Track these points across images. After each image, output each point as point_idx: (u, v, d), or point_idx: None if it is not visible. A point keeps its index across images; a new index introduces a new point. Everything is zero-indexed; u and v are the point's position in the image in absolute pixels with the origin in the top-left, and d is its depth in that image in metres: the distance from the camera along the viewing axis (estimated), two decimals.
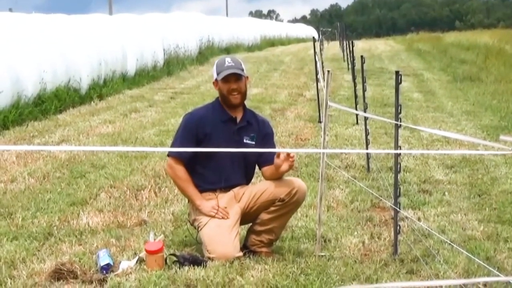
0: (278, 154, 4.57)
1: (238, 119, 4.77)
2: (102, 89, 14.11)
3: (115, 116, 11.56)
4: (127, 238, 5.10)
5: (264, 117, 5.07)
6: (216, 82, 4.74)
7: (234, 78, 4.67)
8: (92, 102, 13.09)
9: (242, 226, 4.94)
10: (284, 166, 4.58)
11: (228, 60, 4.73)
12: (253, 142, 4.77)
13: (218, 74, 4.69)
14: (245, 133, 4.77)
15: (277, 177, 4.70)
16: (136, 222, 5.57)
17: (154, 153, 8.14)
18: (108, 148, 7.74)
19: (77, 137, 9.51)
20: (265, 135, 4.83)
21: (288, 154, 4.55)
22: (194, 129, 4.71)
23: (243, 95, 4.74)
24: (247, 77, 4.80)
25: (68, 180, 6.98)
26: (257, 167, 4.89)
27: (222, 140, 4.65)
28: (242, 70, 4.72)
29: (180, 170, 4.71)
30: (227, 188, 4.75)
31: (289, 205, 4.68)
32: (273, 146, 4.92)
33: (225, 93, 4.69)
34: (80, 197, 6.32)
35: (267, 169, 4.75)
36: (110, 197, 6.34)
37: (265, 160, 4.77)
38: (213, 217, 4.63)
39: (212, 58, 25.54)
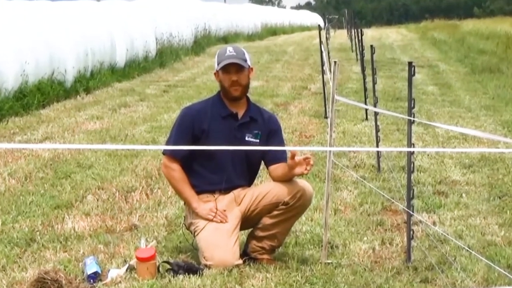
0: (293, 154, 4.54)
1: (240, 115, 4.76)
2: (89, 81, 14.11)
3: (103, 111, 11.56)
4: (116, 244, 5.10)
5: (272, 113, 5.05)
6: (217, 74, 4.74)
7: (235, 69, 4.66)
8: (78, 96, 13.09)
9: (242, 231, 4.93)
10: (298, 170, 4.55)
11: (229, 49, 4.73)
12: (257, 140, 4.75)
13: (218, 64, 4.69)
14: (248, 130, 4.75)
15: (288, 179, 4.68)
16: (126, 227, 5.57)
17: (146, 151, 8.14)
18: (95, 146, 7.75)
19: (61, 134, 9.51)
20: (270, 132, 4.80)
21: (305, 158, 4.51)
22: (190, 124, 4.70)
23: (245, 88, 4.73)
24: (251, 68, 4.78)
25: (52, 181, 6.98)
26: (263, 166, 4.88)
27: (221, 137, 4.64)
28: (245, 60, 4.70)
29: (175, 170, 4.71)
30: (227, 190, 4.74)
31: (293, 209, 4.67)
32: (282, 143, 4.87)
33: (225, 85, 4.69)
34: (65, 199, 6.32)
35: (276, 168, 4.71)
36: (97, 200, 6.34)
37: (273, 158, 4.73)
38: (211, 220, 4.63)
39: (209, 48, 25.55)
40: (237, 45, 4.86)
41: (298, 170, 4.55)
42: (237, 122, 4.75)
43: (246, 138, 4.74)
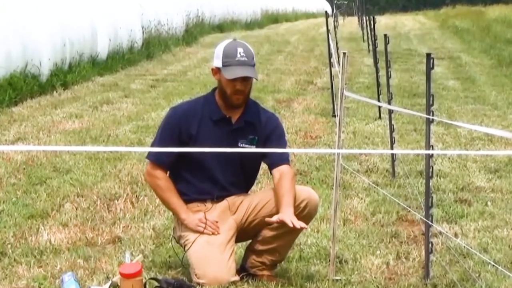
0: (281, 220, 4.47)
1: (234, 119, 4.73)
2: (66, 75, 14.09)
3: (82, 108, 11.56)
4: (98, 258, 5.10)
5: (272, 113, 4.98)
6: (216, 70, 4.68)
7: (243, 78, 4.61)
8: (54, 92, 13.08)
9: (239, 244, 4.93)
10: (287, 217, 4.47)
11: (240, 51, 4.62)
12: (253, 146, 4.72)
13: (224, 65, 4.61)
14: (242, 136, 4.72)
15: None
16: (109, 239, 5.57)
17: (131, 154, 8.14)
18: (74, 148, 7.75)
19: (36, 135, 9.50)
20: (268, 135, 4.76)
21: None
22: (176, 128, 4.68)
23: (247, 96, 4.70)
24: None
25: (25, 188, 6.98)
26: (263, 171, 4.87)
27: (211, 144, 4.60)
28: (254, 65, 4.67)
29: (161, 178, 4.70)
30: (220, 198, 4.74)
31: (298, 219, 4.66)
32: (281, 142, 4.80)
33: (227, 91, 4.62)
34: (40, 208, 6.31)
35: (277, 179, 4.66)
36: (76, 209, 6.34)
37: (273, 161, 4.71)
38: (202, 233, 4.62)
39: (202, 37, 25.56)
40: (244, 42, 4.76)
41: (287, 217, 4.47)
42: (230, 128, 4.71)
43: (240, 146, 4.71)
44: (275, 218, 4.45)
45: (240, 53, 4.61)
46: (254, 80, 4.69)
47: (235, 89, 4.61)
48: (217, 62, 4.65)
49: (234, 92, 4.61)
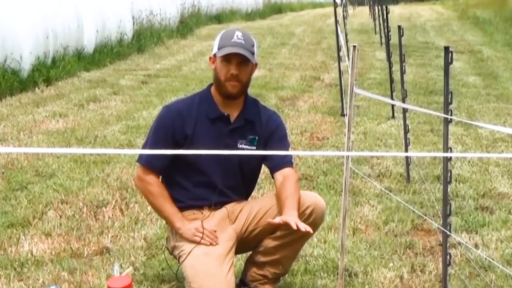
0: (285, 222, 4.43)
1: (233, 118, 4.74)
2: (50, 70, 14.11)
3: (67, 107, 11.58)
4: (84, 271, 5.11)
5: (273, 111, 5.00)
6: (213, 58, 4.69)
7: (238, 60, 4.60)
8: (36, 89, 13.10)
9: (239, 256, 4.94)
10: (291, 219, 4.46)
11: (238, 34, 4.65)
12: (253, 147, 4.74)
13: (219, 48, 4.63)
14: (241, 136, 4.73)
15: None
16: (96, 250, 5.58)
17: (120, 157, 8.15)
18: (58, 150, 7.76)
19: (16, 135, 9.52)
20: (270, 135, 4.78)
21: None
22: (170, 128, 4.68)
23: (244, 86, 4.69)
24: (256, 64, 4.74)
25: (4, 194, 6.99)
26: (264, 176, 4.88)
27: (208, 145, 4.61)
28: (253, 53, 4.67)
29: (152, 184, 4.70)
30: (218, 205, 4.75)
31: None
32: (283, 143, 4.81)
33: (221, 77, 4.64)
34: (21, 216, 6.32)
35: (280, 182, 4.66)
36: (60, 216, 6.35)
37: (274, 164, 4.72)
38: (198, 243, 4.63)
39: (198, 29, 25.60)
40: (246, 31, 4.78)
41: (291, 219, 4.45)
42: (228, 127, 4.72)
43: (239, 146, 4.72)
44: (277, 220, 4.44)
45: (237, 36, 4.64)
46: (256, 75, 4.70)
47: (229, 74, 4.60)
48: (214, 49, 4.68)
49: (229, 77, 4.61)
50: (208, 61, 4.80)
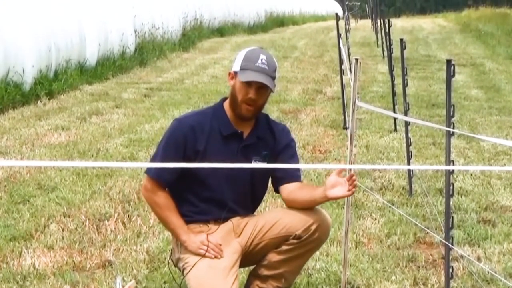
0: (340, 171, 4.53)
1: (246, 134, 4.75)
2: (52, 84, 14.12)
3: (69, 120, 11.58)
4: (86, 284, 5.11)
5: (284, 125, 5.01)
6: (233, 75, 4.69)
7: (258, 85, 4.62)
8: (39, 102, 13.12)
9: (242, 269, 4.94)
10: (339, 191, 4.52)
11: (263, 58, 4.65)
12: (266, 162, 4.75)
13: (241, 69, 4.63)
14: (255, 152, 4.73)
15: (310, 206, 4.67)
16: (98, 263, 5.58)
17: (122, 170, 8.16)
18: (60, 164, 7.76)
19: (18, 149, 9.53)
20: (281, 150, 4.78)
21: (351, 176, 4.49)
22: (182, 142, 4.65)
23: (258, 109, 4.71)
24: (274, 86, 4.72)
25: (6, 207, 6.99)
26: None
27: (221, 162, 4.60)
28: (274, 78, 4.69)
29: (160, 195, 4.69)
30: (225, 220, 4.74)
31: (307, 244, 4.67)
32: (294, 157, 4.84)
33: (238, 97, 4.63)
34: (23, 229, 6.33)
35: (293, 190, 4.68)
36: (63, 230, 6.35)
37: (284, 175, 4.72)
38: (203, 256, 4.62)
39: (200, 42, 25.61)
40: (269, 53, 4.78)
41: (338, 191, 4.52)
42: (241, 144, 4.72)
43: (253, 162, 4.72)
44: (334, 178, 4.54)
45: (262, 59, 4.64)
46: (269, 96, 4.72)
47: (247, 97, 4.61)
48: (236, 66, 4.67)
49: (245, 100, 4.61)
50: (227, 76, 4.76)
